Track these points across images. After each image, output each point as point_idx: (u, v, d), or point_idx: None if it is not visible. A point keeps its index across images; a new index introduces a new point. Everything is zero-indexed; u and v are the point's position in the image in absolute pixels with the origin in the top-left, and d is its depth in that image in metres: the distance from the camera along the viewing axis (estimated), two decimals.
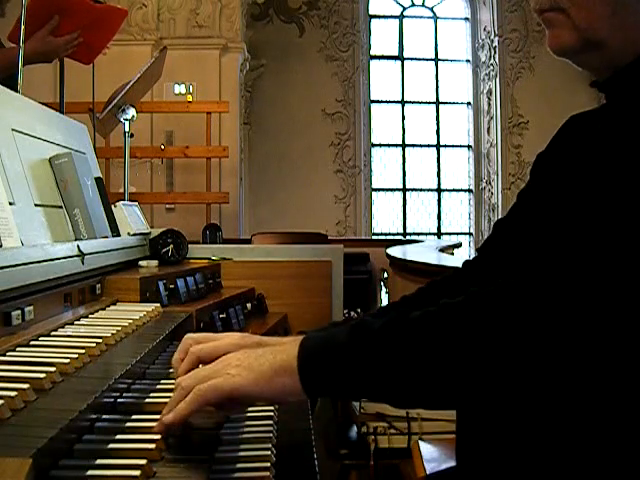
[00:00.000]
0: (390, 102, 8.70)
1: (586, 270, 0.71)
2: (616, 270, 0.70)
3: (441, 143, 8.78)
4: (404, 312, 0.77)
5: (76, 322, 1.19)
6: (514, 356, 0.70)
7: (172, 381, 1.02)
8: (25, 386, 0.76)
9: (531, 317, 0.70)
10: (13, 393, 0.73)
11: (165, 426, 0.78)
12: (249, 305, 1.99)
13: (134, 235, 1.95)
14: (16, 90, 2.17)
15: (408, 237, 7.93)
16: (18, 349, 0.96)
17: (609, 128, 0.85)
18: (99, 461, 0.68)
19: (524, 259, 0.95)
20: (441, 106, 8.79)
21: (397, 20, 8.74)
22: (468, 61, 8.78)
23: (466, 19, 8.79)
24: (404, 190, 8.72)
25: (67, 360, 0.89)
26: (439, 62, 8.80)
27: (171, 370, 1.10)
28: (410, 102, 8.72)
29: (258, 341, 0.92)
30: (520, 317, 0.71)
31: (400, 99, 8.72)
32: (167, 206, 5.69)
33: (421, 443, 2.14)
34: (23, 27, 2.35)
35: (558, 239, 0.84)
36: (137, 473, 0.65)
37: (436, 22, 8.83)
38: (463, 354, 0.70)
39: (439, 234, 8.76)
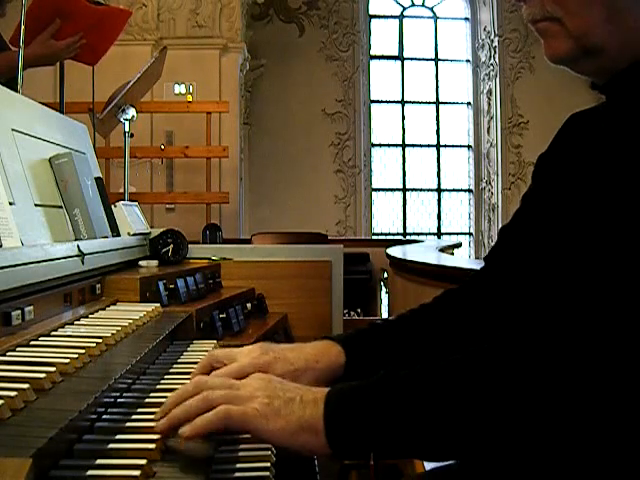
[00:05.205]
0: (390, 102, 8.70)
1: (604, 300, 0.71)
2: (624, 284, 0.70)
3: (441, 143, 8.78)
4: (427, 363, 0.77)
5: (76, 322, 1.19)
6: (544, 406, 0.71)
7: (172, 380, 1.02)
8: (25, 386, 0.76)
9: (564, 365, 0.71)
10: (13, 393, 0.73)
11: (169, 430, 0.76)
12: (249, 305, 1.99)
13: (134, 235, 1.95)
14: (17, 91, 2.18)
15: (408, 237, 7.93)
16: (18, 349, 0.96)
17: (611, 128, 0.85)
18: (99, 461, 0.68)
19: (535, 274, 0.94)
20: (441, 106, 8.79)
21: (397, 20, 8.74)
22: (468, 61, 8.78)
23: (466, 19, 8.79)
24: (404, 190, 8.72)
25: (67, 360, 0.89)
26: (439, 62, 8.80)
27: (171, 370, 1.10)
28: (410, 102, 8.73)
29: (278, 356, 0.92)
30: (550, 367, 0.71)
31: (400, 99, 8.72)
32: (167, 206, 5.69)
33: None
34: (23, 28, 2.35)
35: (568, 254, 0.84)
36: (137, 473, 0.65)
37: (436, 22, 8.83)
38: (492, 407, 0.72)
39: (439, 234, 8.76)
